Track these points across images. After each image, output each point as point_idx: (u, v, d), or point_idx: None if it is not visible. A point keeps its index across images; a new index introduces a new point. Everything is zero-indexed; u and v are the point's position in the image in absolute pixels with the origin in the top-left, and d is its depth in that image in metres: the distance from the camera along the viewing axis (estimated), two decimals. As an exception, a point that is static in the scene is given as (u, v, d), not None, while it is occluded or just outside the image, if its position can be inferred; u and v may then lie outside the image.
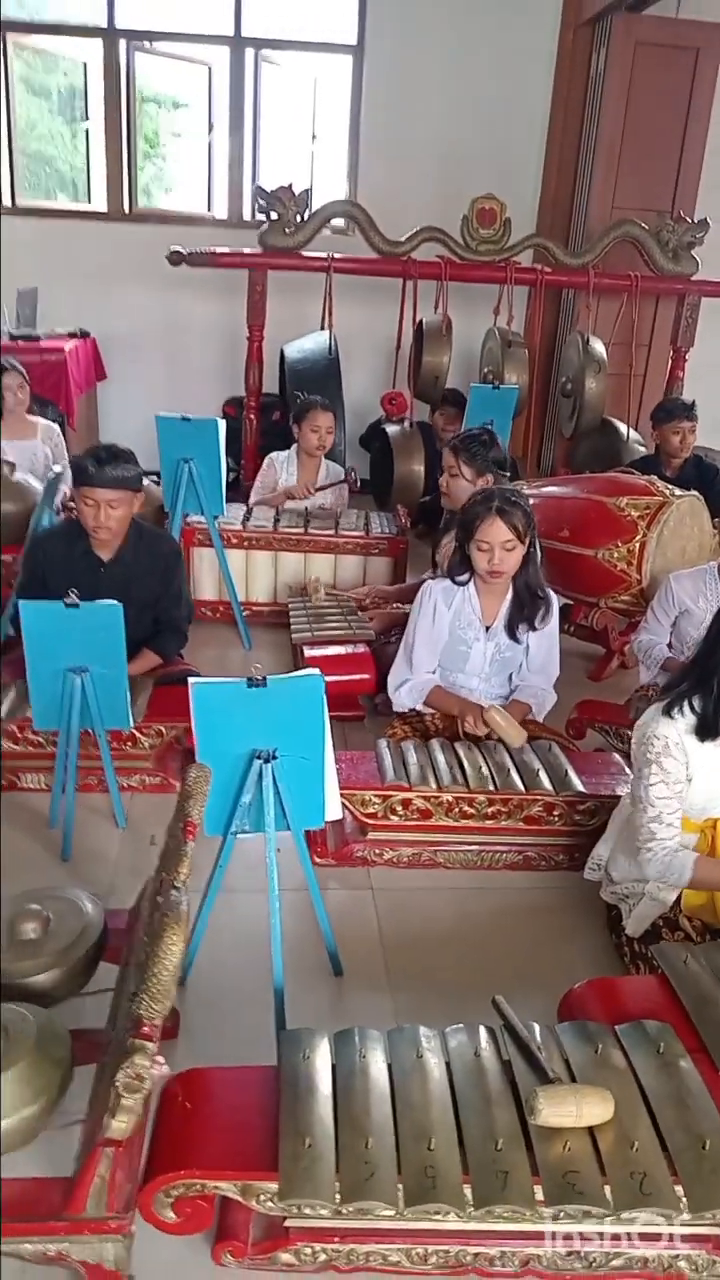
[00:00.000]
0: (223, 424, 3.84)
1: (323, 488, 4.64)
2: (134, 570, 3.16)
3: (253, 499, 4.66)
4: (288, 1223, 1.59)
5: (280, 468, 4.74)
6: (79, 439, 5.47)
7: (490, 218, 5.10)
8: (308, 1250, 1.61)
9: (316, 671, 2.03)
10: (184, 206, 6.59)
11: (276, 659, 3.97)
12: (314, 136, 6.66)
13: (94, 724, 2.65)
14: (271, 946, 2.04)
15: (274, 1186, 1.50)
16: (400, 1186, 1.50)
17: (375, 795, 2.65)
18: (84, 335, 5.84)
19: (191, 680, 1.98)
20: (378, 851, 2.73)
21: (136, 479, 3.04)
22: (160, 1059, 1.39)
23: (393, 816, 2.68)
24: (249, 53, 6.00)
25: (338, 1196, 1.49)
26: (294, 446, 4.71)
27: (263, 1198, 1.53)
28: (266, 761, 2.02)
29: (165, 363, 6.35)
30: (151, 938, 1.44)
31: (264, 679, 1.98)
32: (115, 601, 2.55)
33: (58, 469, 3.94)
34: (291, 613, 3.85)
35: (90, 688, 2.57)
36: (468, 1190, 1.51)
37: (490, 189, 5.10)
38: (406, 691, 3.06)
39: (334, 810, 2.18)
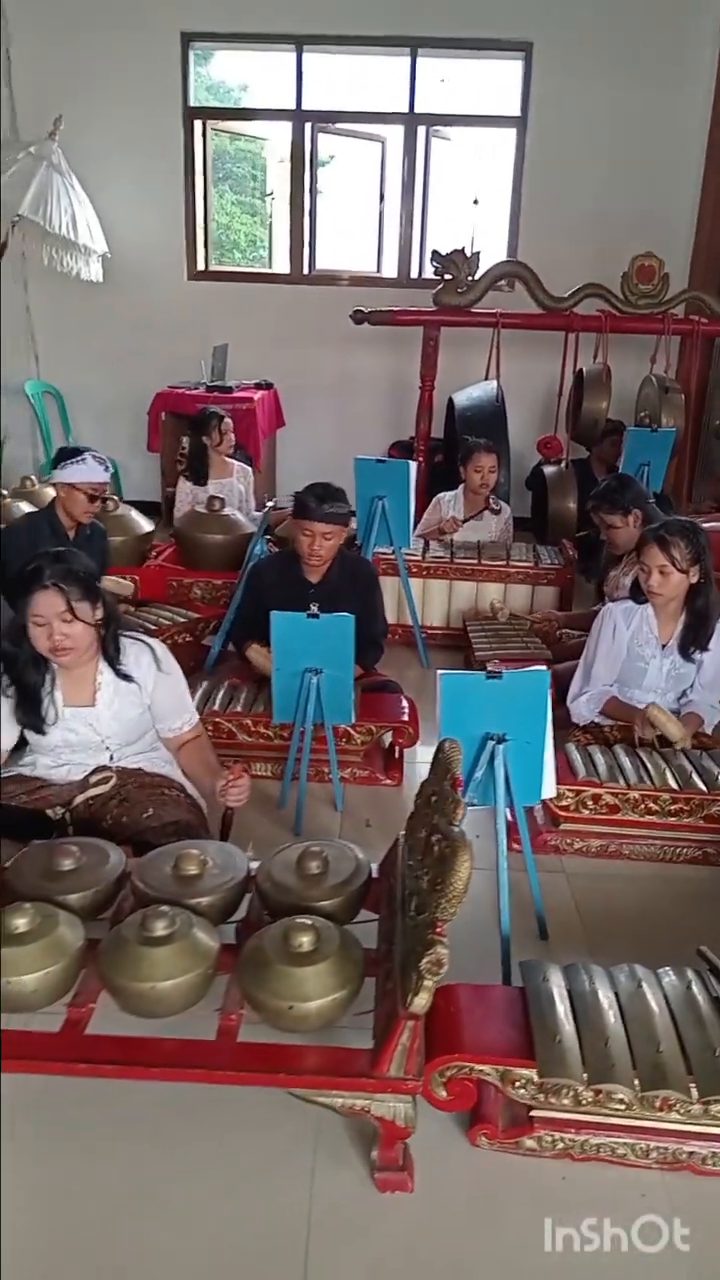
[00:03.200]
0: (414, 466, 4.27)
1: (469, 518, 5.02)
2: (338, 591, 3.59)
3: (416, 533, 5.07)
4: (533, 1113, 1.93)
5: (446, 506, 5.15)
6: (262, 479, 6.04)
7: (649, 274, 5.44)
8: (548, 1138, 1.94)
9: (544, 668, 2.40)
10: (353, 266, 7.15)
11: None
12: (475, 201, 7.18)
13: (324, 718, 3.08)
14: (500, 899, 2.39)
15: (529, 1073, 1.86)
16: (636, 1079, 1.83)
17: (569, 790, 2.97)
18: (268, 386, 6.44)
19: (440, 671, 2.38)
20: (569, 841, 3.05)
21: (347, 515, 3.48)
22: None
23: (583, 810, 2.98)
24: (421, 129, 6.56)
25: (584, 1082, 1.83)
26: (460, 486, 5.13)
27: (517, 1084, 1.88)
28: (498, 743, 2.39)
29: (336, 410, 6.87)
30: (436, 862, 1.82)
31: (500, 672, 2.36)
32: (349, 614, 2.98)
33: (271, 504, 4.46)
34: (472, 634, 4.21)
35: (323, 686, 3.00)
36: (693, 1088, 1.83)
37: (645, 246, 5.42)
38: (585, 702, 3.37)
39: (550, 789, 2.53)
